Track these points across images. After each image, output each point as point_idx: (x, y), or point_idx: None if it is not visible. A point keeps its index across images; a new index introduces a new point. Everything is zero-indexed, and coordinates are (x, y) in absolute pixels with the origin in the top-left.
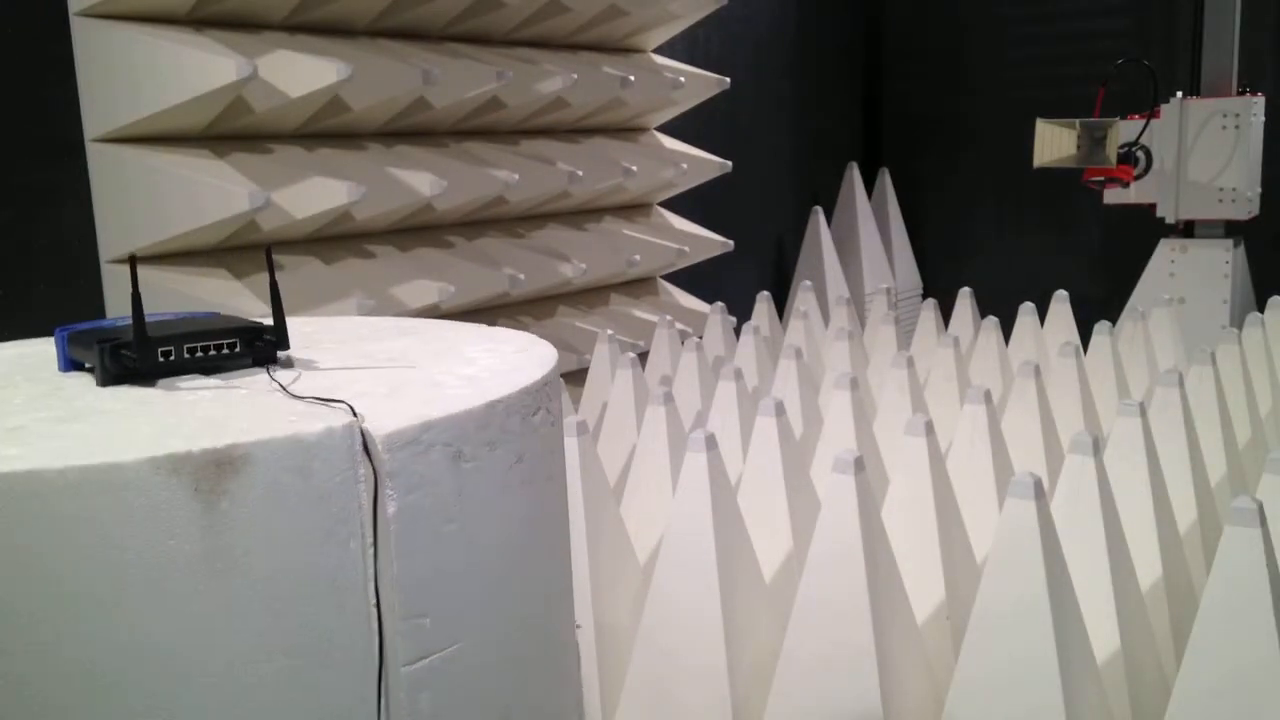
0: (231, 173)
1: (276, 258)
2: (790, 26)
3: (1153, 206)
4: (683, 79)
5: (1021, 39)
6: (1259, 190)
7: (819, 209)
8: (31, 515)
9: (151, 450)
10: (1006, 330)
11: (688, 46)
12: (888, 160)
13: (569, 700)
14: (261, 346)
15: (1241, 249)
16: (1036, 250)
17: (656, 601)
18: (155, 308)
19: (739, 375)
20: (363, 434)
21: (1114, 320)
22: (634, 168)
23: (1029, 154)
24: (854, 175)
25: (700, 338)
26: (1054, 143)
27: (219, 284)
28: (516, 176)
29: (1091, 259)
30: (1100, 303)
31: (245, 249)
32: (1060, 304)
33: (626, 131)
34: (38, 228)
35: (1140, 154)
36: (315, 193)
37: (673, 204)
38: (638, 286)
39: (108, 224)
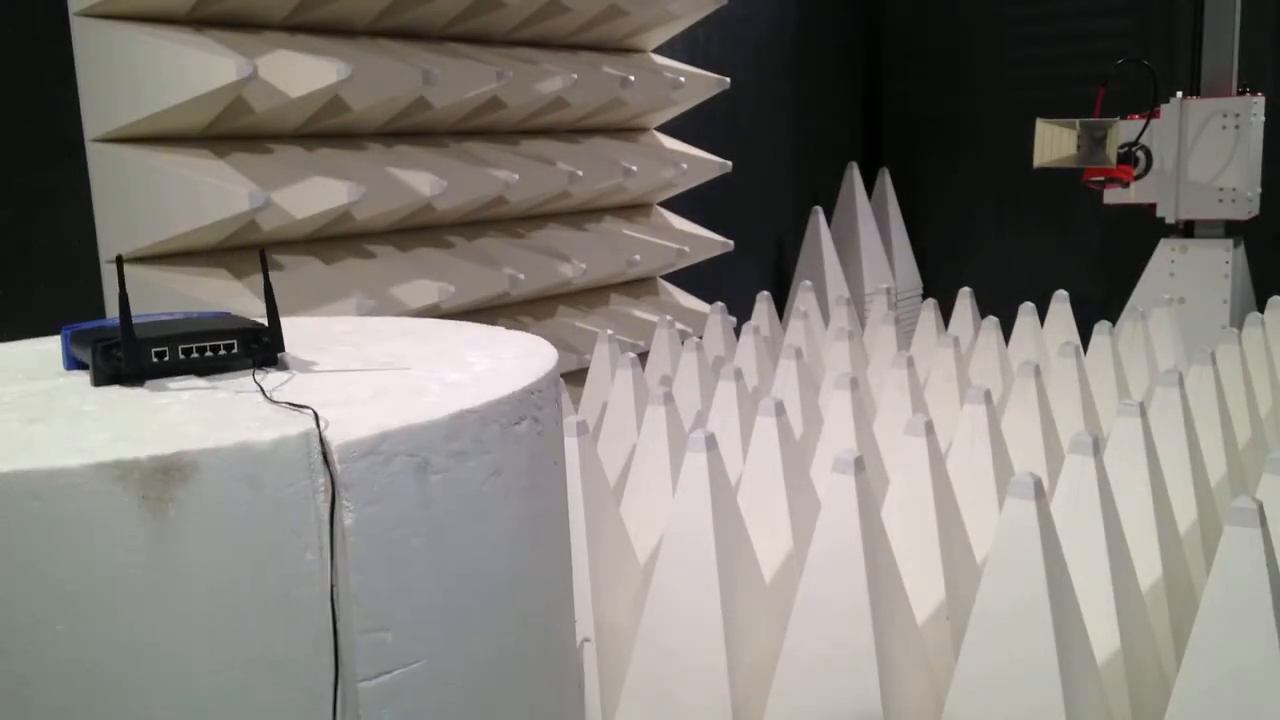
0: (231, 173)
1: (276, 257)
2: (790, 26)
3: (1153, 206)
4: (683, 79)
5: (1021, 39)
6: (1259, 190)
7: (819, 209)
8: None
9: (99, 456)
10: (1006, 330)
11: (688, 46)
12: (888, 160)
13: (563, 710)
14: (259, 348)
15: (1241, 249)
16: (1036, 250)
17: (656, 601)
18: (155, 308)
19: (739, 375)
20: (323, 443)
21: (1114, 320)
22: (634, 168)
23: (1029, 154)
24: (854, 175)
25: (700, 338)
26: (1054, 143)
27: (219, 284)
28: (516, 176)
29: (1091, 259)
30: (1100, 303)
31: (245, 249)
32: (1060, 304)
33: (626, 131)
34: (38, 228)
35: (1140, 154)
36: (315, 193)
37: (673, 204)
38: (638, 286)
39: (108, 224)
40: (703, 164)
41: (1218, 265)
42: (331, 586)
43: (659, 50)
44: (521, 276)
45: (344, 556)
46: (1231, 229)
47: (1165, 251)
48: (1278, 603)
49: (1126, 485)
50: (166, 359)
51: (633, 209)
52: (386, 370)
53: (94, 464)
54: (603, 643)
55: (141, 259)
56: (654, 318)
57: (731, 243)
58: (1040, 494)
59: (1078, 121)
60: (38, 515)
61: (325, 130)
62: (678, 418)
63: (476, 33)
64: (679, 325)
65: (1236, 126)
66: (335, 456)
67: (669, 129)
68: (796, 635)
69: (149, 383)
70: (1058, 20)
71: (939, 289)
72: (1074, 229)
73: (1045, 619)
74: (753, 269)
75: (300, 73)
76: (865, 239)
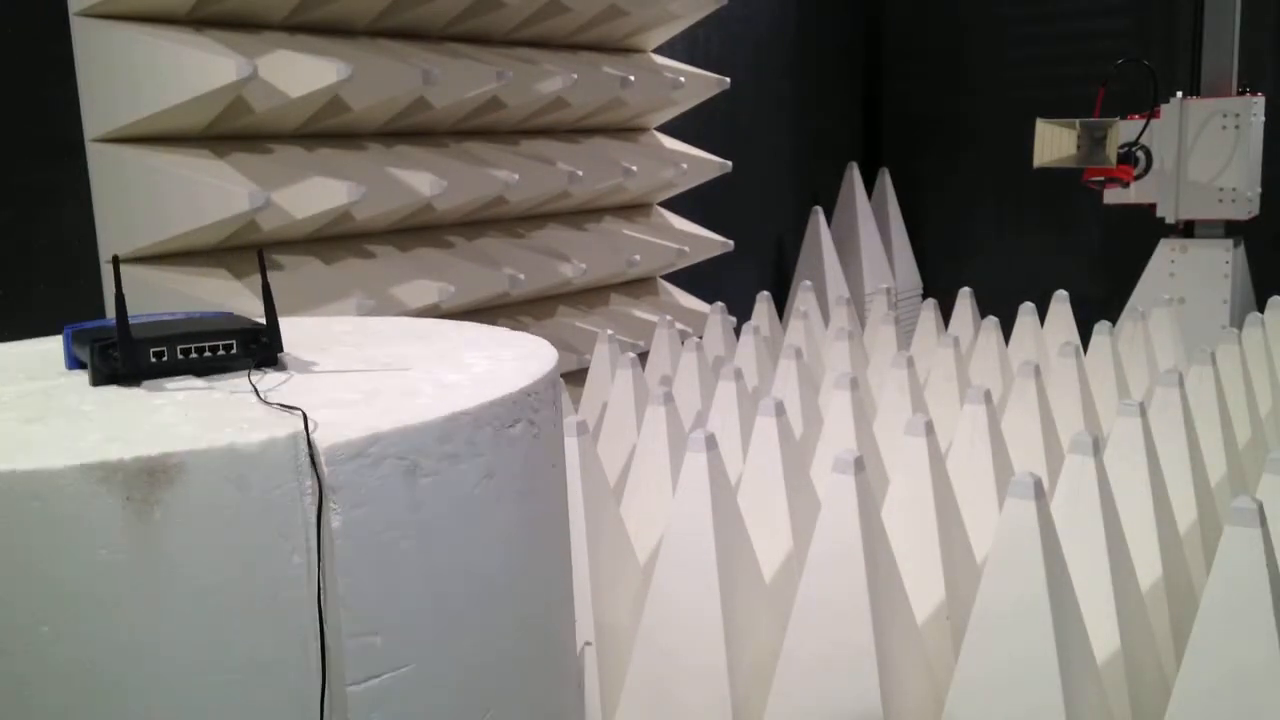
0: (231, 173)
1: (277, 257)
2: (790, 26)
3: (1153, 206)
4: (683, 79)
5: (1021, 39)
6: (1259, 190)
7: (819, 209)
8: None
9: (85, 457)
10: (1006, 330)
11: (688, 46)
12: (888, 160)
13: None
14: (258, 348)
15: (1241, 249)
16: (1036, 250)
17: (656, 601)
18: (155, 308)
19: (739, 375)
20: (310, 445)
21: (1114, 320)
22: (634, 168)
23: (1029, 154)
24: (854, 175)
25: (700, 338)
26: (1054, 143)
27: (219, 284)
28: (516, 176)
29: (1091, 259)
30: (1100, 303)
31: (245, 249)
32: (1060, 304)
33: (626, 131)
34: (38, 228)
35: (1140, 154)
36: (315, 193)
37: (673, 204)
38: (638, 286)
39: (108, 224)
40: (703, 164)
41: (1218, 265)
42: (318, 589)
43: (659, 50)
44: (521, 276)
45: (331, 559)
46: (1231, 229)
47: (1165, 251)
48: (1278, 603)
49: (1126, 485)
50: (165, 359)
51: (633, 209)
52: (384, 371)
53: (79, 465)
54: (603, 643)
55: (141, 259)
56: (654, 318)
57: (731, 243)
58: (1040, 494)
59: (1078, 121)
60: (35, 515)
61: (325, 130)
62: (678, 418)
63: (476, 33)
64: (679, 325)
65: (1236, 126)
66: (323, 459)
67: (669, 129)
68: (796, 635)
69: (147, 383)
70: (1058, 20)
71: (939, 289)
72: (1074, 229)
73: (1045, 619)
74: (753, 269)
75: (300, 73)
76: (865, 239)
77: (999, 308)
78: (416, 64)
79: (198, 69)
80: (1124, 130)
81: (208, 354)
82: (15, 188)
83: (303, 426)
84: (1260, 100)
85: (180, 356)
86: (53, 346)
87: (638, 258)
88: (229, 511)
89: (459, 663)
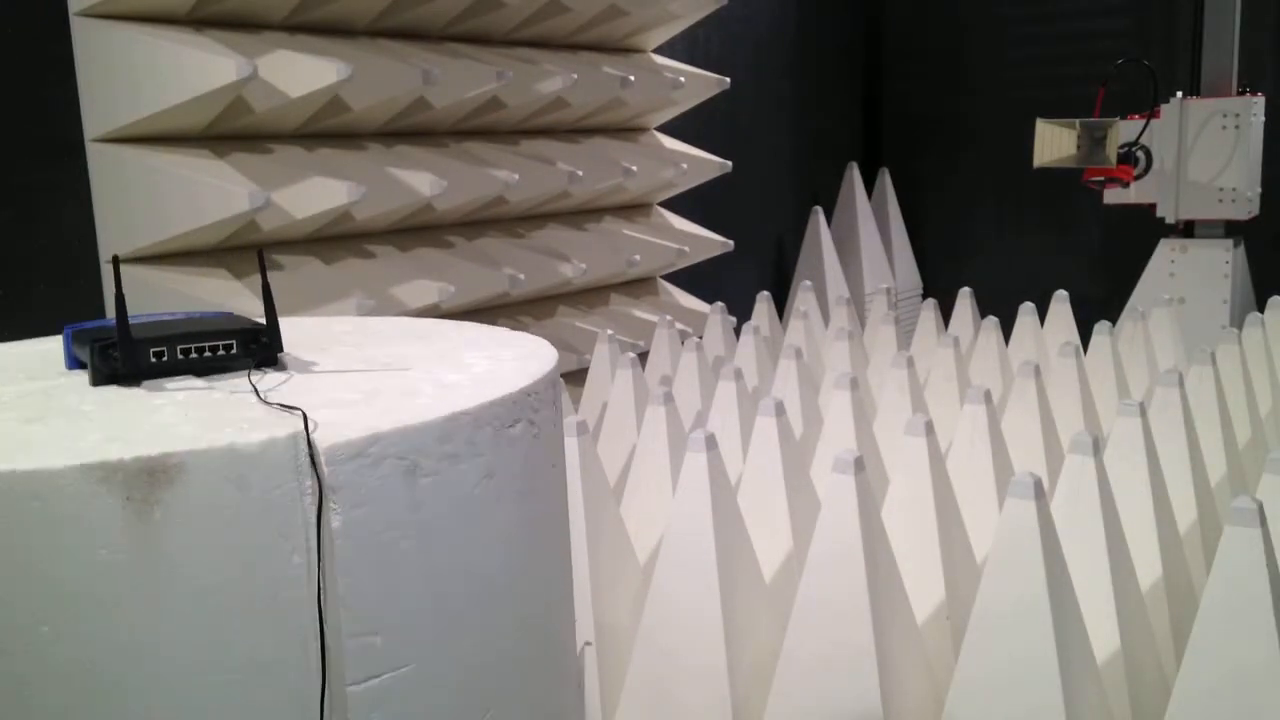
0: (231, 173)
1: (277, 257)
2: (790, 26)
3: (1153, 206)
4: (683, 79)
5: (1021, 39)
6: (1259, 190)
7: (819, 209)
8: None
9: (85, 457)
10: (1006, 330)
11: (688, 46)
12: (888, 160)
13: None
14: (258, 348)
15: (1241, 249)
16: (1036, 250)
17: (656, 601)
18: (156, 308)
19: (739, 375)
20: (310, 445)
21: (1114, 320)
22: (634, 168)
23: (1029, 154)
24: (854, 175)
25: (700, 338)
26: (1054, 143)
27: (219, 284)
28: (516, 176)
29: (1091, 259)
30: (1100, 303)
31: (245, 249)
32: (1060, 304)
33: (626, 131)
34: (38, 228)
35: (1140, 154)
36: (315, 193)
37: (673, 204)
38: (638, 286)
39: (108, 224)
40: (703, 164)
41: (1218, 265)
42: (318, 589)
43: (659, 50)
44: (521, 276)
45: (331, 559)
46: (1231, 229)
47: (1165, 251)
48: (1278, 603)
49: (1126, 485)
50: (165, 359)
51: (633, 209)
52: (384, 371)
53: (79, 465)
54: (603, 643)
55: (141, 259)
56: (654, 318)
57: (731, 243)
58: (1040, 494)
59: (1078, 121)
60: (35, 515)
61: (325, 130)
62: (678, 418)
63: (476, 33)
64: (679, 325)
65: (1236, 126)
66: (323, 459)
67: (669, 129)
68: (796, 635)
69: (147, 383)
70: (1058, 20)
71: (939, 289)
72: (1074, 229)
73: (1045, 619)
74: (753, 269)
75: (300, 73)
76: (865, 239)
77: (999, 308)
78: (416, 64)
79: (198, 69)
80: (1124, 130)
81: (208, 354)
82: (15, 188)
83: (303, 426)
84: (1260, 100)
85: (180, 356)
86: (53, 346)
87: (638, 258)
88: (229, 511)
89: (459, 663)
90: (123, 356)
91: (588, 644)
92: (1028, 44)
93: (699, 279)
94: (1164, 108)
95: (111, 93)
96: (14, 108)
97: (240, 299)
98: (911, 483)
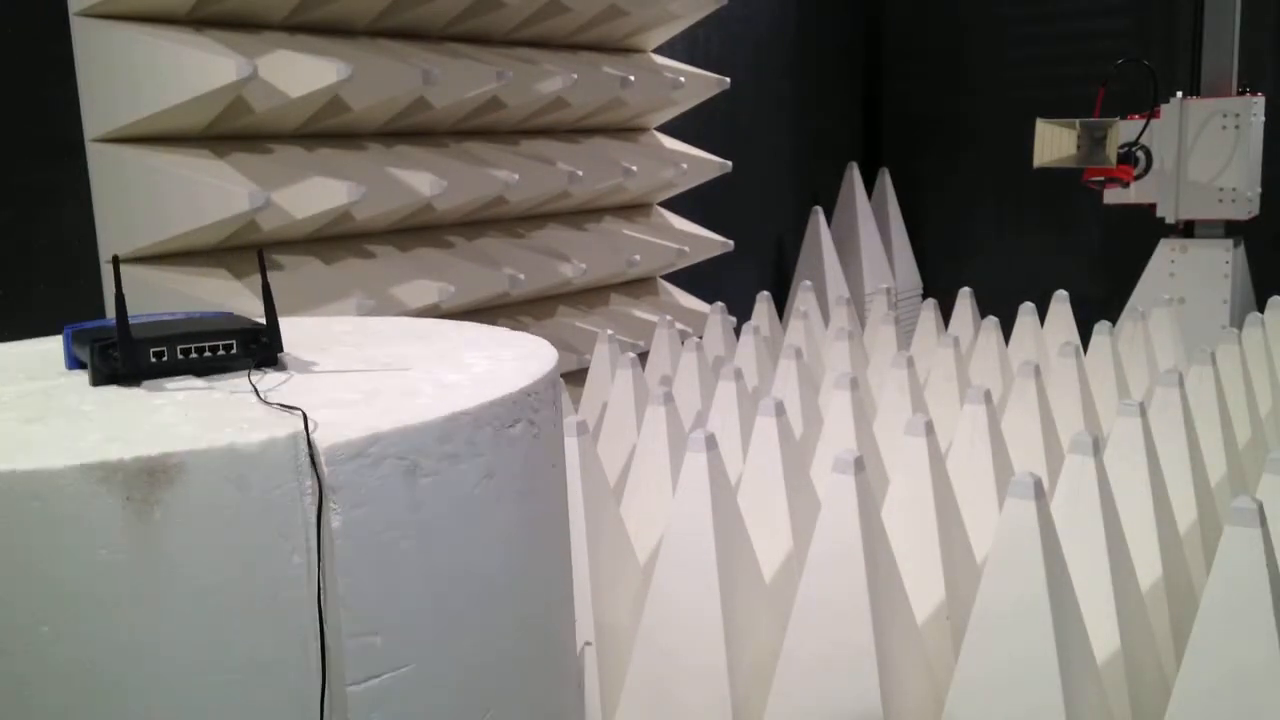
0: (231, 173)
1: (277, 257)
2: (790, 26)
3: (1153, 206)
4: (683, 79)
5: (1021, 39)
6: (1259, 190)
7: (819, 209)
8: None
9: (84, 457)
10: (1006, 330)
11: (688, 46)
12: (888, 160)
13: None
14: (258, 348)
15: (1241, 249)
16: (1036, 250)
17: (656, 601)
18: (156, 308)
19: (739, 375)
20: (310, 445)
21: (1114, 320)
22: (634, 168)
23: (1029, 154)
24: (854, 175)
25: (700, 338)
26: (1054, 143)
27: (219, 284)
28: (516, 176)
29: (1091, 259)
30: (1100, 303)
31: (245, 249)
32: (1060, 304)
33: (626, 131)
34: (38, 228)
35: (1140, 154)
36: (315, 193)
37: (673, 204)
38: (638, 286)
39: (108, 224)
40: (703, 164)
41: (1218, 265)
42: (318, 589)
43: (659, 50)
44: (521, 276)
45: (331, 559)
46: (1231, 229)
47: (1165, 251)
48: (1278, 603)
49: (1126, 485)
50: (165, 359)
51: (633, 209)
52: (384, 371)
53: (79, 465)
54: (603, 643)
55: (141, 259)
56: (654, 318)
57: (731, 243)
58: (1040, 494)
59: (1078, 121)
60: (35, 515)
61: (325, 130)
62: (678, 418)
63: (476, 33)
64: (679, 325)
65: (1236, 126)
66: (323, 459)
67: (669, 129)
68: (796, 635)
69: (147, 383)
70: (1058, 20)
71: (939, 289)
72: (1074, 229)
73: (1045, 619)
74: (753, 269)
75: (300, 73)
76: (865, 239)
77: (999, 308)
78: (416, 64)
79: (198, 69)
80: (1124, 130)
81: (208, 354)
82: (15, 188)
83: (303, 426)
84: (1260, 100)
85: (180, 356)
86: (53, 346)
87: (638, 258)
88: (229, 511)
89: (459, 663)
90: (123, 356)
91: (588, 644)
92: (1028, 44)
93: (699, 279)
94: (1164, 108)
95: (111, 93)
96: (14, 108)
97: (240, 299)
98: (911, 483)
